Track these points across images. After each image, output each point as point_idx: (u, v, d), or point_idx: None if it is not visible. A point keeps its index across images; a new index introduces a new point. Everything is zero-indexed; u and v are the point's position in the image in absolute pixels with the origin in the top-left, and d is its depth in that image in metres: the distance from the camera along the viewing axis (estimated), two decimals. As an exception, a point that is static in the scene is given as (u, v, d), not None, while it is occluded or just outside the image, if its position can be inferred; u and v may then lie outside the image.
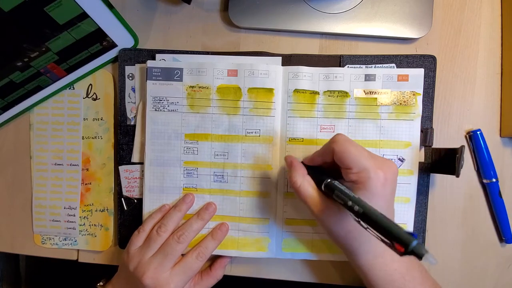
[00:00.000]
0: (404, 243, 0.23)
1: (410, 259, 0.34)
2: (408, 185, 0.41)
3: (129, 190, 0.44)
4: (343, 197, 0.30)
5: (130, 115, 0.44)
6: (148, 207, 0.43)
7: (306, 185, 0.35)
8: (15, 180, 0.47)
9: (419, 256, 0.22)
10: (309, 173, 0.36)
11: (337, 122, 0.42)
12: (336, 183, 0.33)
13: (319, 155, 0.36)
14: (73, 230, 0.45)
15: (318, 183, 0.35)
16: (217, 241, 0.42)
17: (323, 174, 0.35)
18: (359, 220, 0.28)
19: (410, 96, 0.41)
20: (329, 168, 0.36)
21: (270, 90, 0.42)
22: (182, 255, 0.41)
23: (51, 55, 0.40)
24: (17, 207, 0.47)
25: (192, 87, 0.42)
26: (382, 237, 0.26)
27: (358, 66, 0.42)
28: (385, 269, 0.34)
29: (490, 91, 0.43)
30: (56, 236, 0.46)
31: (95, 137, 0.45)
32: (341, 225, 0.33)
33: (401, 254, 0.24)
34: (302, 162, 0.38)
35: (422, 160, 0.42)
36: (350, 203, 0.29)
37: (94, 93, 0.45)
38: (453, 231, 0.44)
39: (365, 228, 0.28)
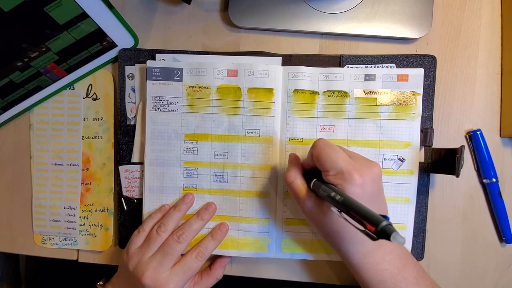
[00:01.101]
0: (374, 222, 0.24)
1: (402, 261, 0.35)
2: (408, 185, 0.41)
3: (129, 190, 0.44)
4: (328, 189, 0.31)
5: (130, 115, 0.44)
6: (148, 207, 0.43)
7: (298, 182, 0.36)
8: (15, 180, 0.47)
9: (388, 236, 0.23)
10: (304, 174, 0.37)
11: (336, 122, 0.42)
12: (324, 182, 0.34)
13: (306, 160, 0.37)
14: (73, 230, 0.45)
15: (309, 184, 0.36)
16: (217, 241, 0.42)
17: (315, 176, 0.35)
18: (340, 210, 0.29)
19: (410, 96, 0.41)
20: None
21: (270, 90, 0.42)
22: (182, 255, 0.41)
23: (51, 55, 0.40)
24: (17, 207, 0.47)
25: (192, 87, 0.42)
26: (358, 225, 0.27)
27: (358, 66, 0.42)
28: (375, 269, 0.34)
29: (490, 91, 0.43)
30: (56, 236, 0.46)
31: (95, 137, 0.45)
32: (328, 225, 0.34)
33: (373, 236, 0.24)
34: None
35: (422, 160, 0.42)
36: (332, 193, 0.30)
37: (94, 93, 0.45)
38: (453, 231, 0.44)
39: (344, 219, 0.29)
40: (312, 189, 0.35)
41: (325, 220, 0.34)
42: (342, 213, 0.29)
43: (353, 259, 0.35)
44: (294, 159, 0.38)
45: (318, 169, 0.34)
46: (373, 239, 0.25)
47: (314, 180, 0.35)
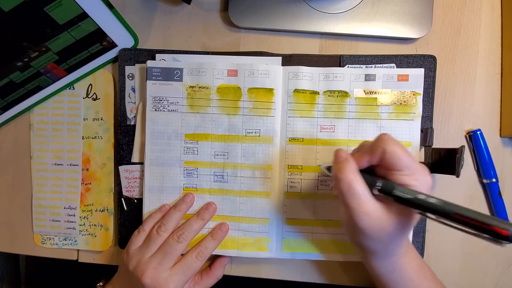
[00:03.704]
0: (503, 227, 0.24)
1: (420, 262, 0.36)
2: (408, 185, 0.41)
3: (129, 190, 0.44)
4: (412, 192, 0.28)
5: (130, 115, 0.44)
6: (148, 207, 0.43)
7: (359, 181, 0.30)
8: (15, 180, 0.47)
9: None
10: None
11: (337, 122, 0.42)
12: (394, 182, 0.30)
13: (366, 156, 0.31)
14: (73, 230, 0.45)
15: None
16: (217, 241, 0.42)
17: (372, 175, 0.31)
18: (437, 218, 0.28)
19: (410, 96, 0.41)
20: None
21: (270, 90, 0.42)
22: (182, 255, 0.41)
23: (51, 55, 0.40)
24: (17, 207, 0.47)
25: (192, 87, 0.42)
26: (469, 229, 0.26)
27: (358, 66, 0.42)
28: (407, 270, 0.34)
29: (490, 91, 0.43)
30: (56, 236, 0.46)
31: (95, 137, 0.45)
32: (384, 230, 0.30)
33: (503, 240, 0.24)
34: None
35: (422, 160, 0.42)
36: (422, 196, 0.28)
37: (94, 93, 0.45)
38: (453, 231, 0.43)
39: (446, 224, 0.27)
40: (381, 191, 0.30)
41: (383, 226, 0.30)
42: (441, 218, 0.27)
43: (386, 262, 0.34)
44: (344, 155, 0.32)
45: (370, 168, 0.31)
46: (499, 242, 0.25)
47: (383, 180, 0.30)
